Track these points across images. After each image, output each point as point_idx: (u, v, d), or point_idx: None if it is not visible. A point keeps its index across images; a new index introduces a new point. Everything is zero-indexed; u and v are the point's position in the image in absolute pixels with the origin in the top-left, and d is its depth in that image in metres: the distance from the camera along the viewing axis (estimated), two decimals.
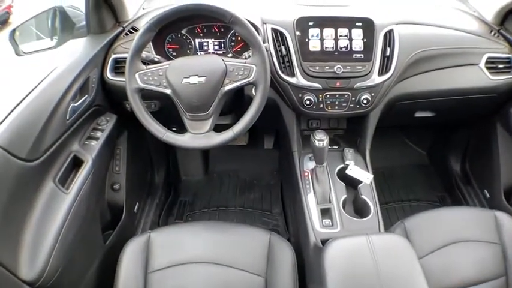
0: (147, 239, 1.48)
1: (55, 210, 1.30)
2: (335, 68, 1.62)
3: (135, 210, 2.10)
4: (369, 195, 1.64)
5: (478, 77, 1.90)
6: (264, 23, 1.68)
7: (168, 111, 1.55)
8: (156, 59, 1.57)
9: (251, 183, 2.65)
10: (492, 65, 1.90)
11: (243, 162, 2.74)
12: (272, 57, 1.64)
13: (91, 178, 1.48)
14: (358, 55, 1.66)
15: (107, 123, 1.69)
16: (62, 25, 1.85)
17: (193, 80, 1.39)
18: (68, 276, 1.34)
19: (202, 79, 1.39)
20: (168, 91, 1.41)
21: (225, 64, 1.41)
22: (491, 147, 2.21)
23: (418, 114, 2.05)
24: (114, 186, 1.89)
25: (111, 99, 1.76)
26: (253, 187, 2.62)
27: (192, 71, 1.40)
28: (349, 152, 1.80)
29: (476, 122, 2.35)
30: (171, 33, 1.73)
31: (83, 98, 1.56)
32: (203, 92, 1.39)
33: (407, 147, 2.90)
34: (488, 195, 2.27)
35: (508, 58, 1.94)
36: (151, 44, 1.63)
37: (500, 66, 1.92)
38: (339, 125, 1.97)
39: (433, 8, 2.13)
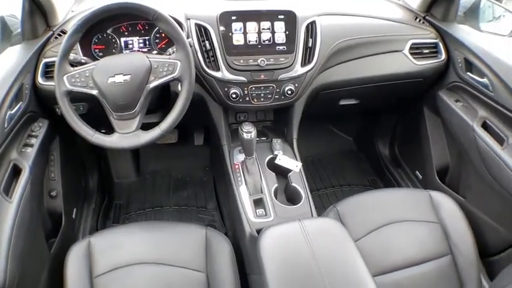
0: (87, 244, 1.47)
1: (2, 220, 1.28)
2: (259, 60, 1.67)
3: (74, 216, 2.07)
4: (299, 183, 1.70)
5: (402, 62, 2.00)
6: (187, 19, 1.70)
7: (96, 112, 1.53)
8: (83, 61, 1.56)
9: (184, 180, 2.66)
10: (417, 50, 2.01)
11: (174, 160, 2.74)
12: (196, 53, 1.66)
13: (30, 186, 1.45)
14: (281, 47, 1.72)
15: (40, 129, 1.67)
16: (1, 34, 1.85)
17: (119, 78, 1.39)
18: (24, 286, 1.31)
19: (127, 77, 1.40)
20: (95, 92, 1.41)
21: (149, 61, 1.42)
22: (420, 130, 2.32)
23: (342, 102, 2.13)
24: (52, 193, 1.85)
25: (43, 104, 1.73)
26: (186, 185, 2.63)
27: (117, 69, 1.41)
28: (277, 142, 1.85)
29: (403, 106, 2.45)
30: (97, 34, 1.72)
31: (18, 105, 1.53)
32: (129, 90, 1.40)
33: (335, 135, 2.99)
34: (420, 176, 2.38)
35: (433, 43, 2.05)
36: (78, 45, 1.62)
37: (426, 51, 2.04)
38: (266, 116, 2.02)
39: None
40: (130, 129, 1.44)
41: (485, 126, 1.85)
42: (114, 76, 1.40)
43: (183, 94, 1.44)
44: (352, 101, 2.16)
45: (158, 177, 2.68)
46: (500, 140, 1.75)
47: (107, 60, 1.47)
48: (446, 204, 1.72)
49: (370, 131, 2.79)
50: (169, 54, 1.52)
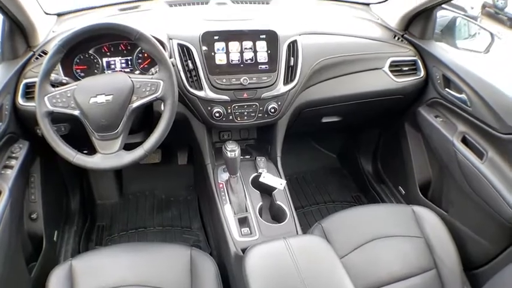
0: (69, 267, 1.46)
1: None
2: (241, 79, 1.70)
3: (55, 238, 2.05)
4: (283, 201, 1.71)
5: (382, 80, 2.04)
6: (170, 39, 1.71)
7: (78, 133, 1.54)
8: (64, 81, 1.56)
9: (168, 200, 2.64)
10: (396, 68, 2.06)
11: (157, 180, 2.73)
12: (179, 72, 1.68)
13: (9, 209, 1.44)
14: (263, 66, 1.74)
15: (20, 150, 1.66)
16: None
17: (101, 99, 1.40)
18: None
19: (110, 97, 1.40)
20: (76, 112, 1.41)
21: (131, 81, 1.43)
22: (402, 146, 2.36)
23: (325, 119, 2.16)
24: (32, 216, 1.83)
25: (23, 125, 1.72)
26: (170, 205, 2.62)
27: (99, 90, 1.41)
28: (261, 160, 1.87)
29: (385, 123, 2.49)
30: (79, 54, 1.72)
31: None
32: (111, 110, 1.40)
33: (318, 152, 3.01)
34: (403, 192, 2.40)
35: (412, 61, 2.11)
36: (60, 66, 1.62)
37: (405, 68, 2.09)
38: (249, 135, 2.03)
39: (337, 18, 2.26)
40: (113, 149, 1.44)
41: (465, 140, 1.89)
42: (96, 96, 1.40)
43: (166, 114, 1.45)
44: (335, 118, 2.19)
45: (141, 198, 2.67)
46: (480, 154, 1.79)
47: (89, 80, 1.47)
48: (430, 219, 1.75)
49: (353, 147, 2.82)
50: (152, 74, 1.53)
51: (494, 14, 15.45)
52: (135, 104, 1.43)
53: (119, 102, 1.41)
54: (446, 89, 2.01)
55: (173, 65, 1.49)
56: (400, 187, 2.44)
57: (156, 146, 1.47)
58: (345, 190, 2.77)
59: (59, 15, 2.05)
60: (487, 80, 1.83)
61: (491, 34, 2.29)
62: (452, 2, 2.05)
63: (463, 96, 1.90)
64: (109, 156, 1.44)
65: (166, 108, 1.45)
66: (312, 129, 2.51)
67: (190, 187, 2.72)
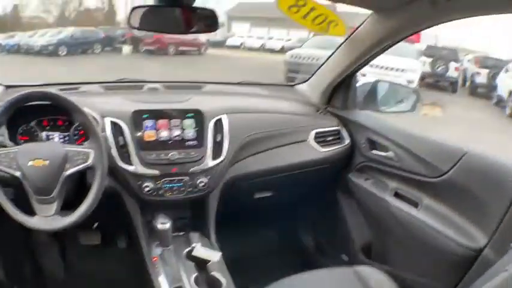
0: None
1: None
2: (170, 155, 1.79)
3: None
4: (219, 271, 1.74)
5: (308, 151, 2.16)
6: (103, 117, 1.79)
7: (20, 196, 1.58)
8: (8, 145, 1.64)
9: (110, 282, 2.59)
10: (321, 138, 2.18)
11: (98, 262, 2.68)
12: (111, 148, 1.75)
13: None
14: (191, 142, 1.85)
15: None
16: None
17: (38, 162, 1.49)
18: None
19: (46, 162, 1.50)
20: (18, 173, 1.49)
21: (65, 149, 1.54)
22: (338, 214, 2.43)
23: (258, 195, 2.22)
24: None
25: None
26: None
27: (37, 154, 1.51)
28: (195, 235, 1.91)
29: (319, 194, 2.56)
30: (22, 125, 1.80)
31: None
32: (47, 175, 1.50)
33: (257, 228, 3.03)
34: (347, 259, 2.44)
35: (336, 130, 2.25)
36: (6, 131, 1.68)
37: (330, 138, 2.23)
38: (182, 209, 2.06)
39: (261, 98, 2.43)
40: (49, 213, 1.52)
41: (397, 195, 1.99)
42: (34, 160, 1.49)
43: (96, 182, 1.55)
44: (267, 193, 2.25)
45: (83, 279, 2.60)
46: (415, 204, 1.91)
47: (29, 145, 1.60)
48: (375, 276, 1.75)
49: (291, 222, 2.85)
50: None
51: (435, 82, 16.27)
52: (68, 172, 1.53)
53: (54, 167, 1.50)
54: (372, 151, 2.14)
55: (104, 139, 1.61)
56: (342, 255, 2.48)
57: (88, 212, 1.55)
58: (286, 266, 2.77)
59: (8, 87, 2.13)
60: (411, 132, 1.97)
61: (416, 91, 2.47)
62: (388, 79, 2.23)
63: (389, 153, 2.04)
64: (45, 218, 1.51)
65: (96, 177, 1.55)
66: (248, 207, 2.55)
67: (130, 269, 2.68)
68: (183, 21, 1.60)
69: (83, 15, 32.77)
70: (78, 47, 19.42)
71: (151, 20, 1.59)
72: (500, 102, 14.06)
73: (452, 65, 16.03)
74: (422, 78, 14.83)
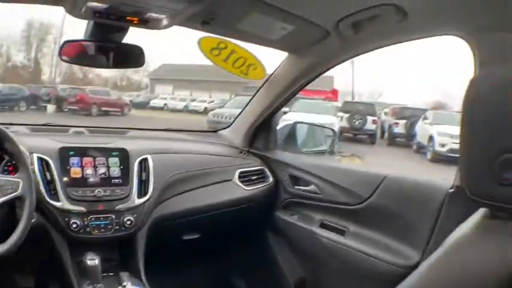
0: None
1: None
2: (96, 191, 1.79)
3: None
4: None
5: (233, 190, 2.23)
6: (31, 153, 1.78)
7: None
8: None
9: None
10: (245, 178, 2.26)
11: None
12: (39, 184, 1.74)
13: None
14: (116, 180, 1.87)
15: None
16: None
17: None
18: None
19: None
20: None
21: None
22: (268, 254, 2.46)
23: (185, 237, 2.25)
24: None
25: None
26: None
27: None
28: (124, 275, 1.88)
29: (247, 235, 2.59)
30: None
31: None
32: None
33: (188, 274, 3.02)
34: None
35: (260, 170, 2.33)
36: None
37: (254, 177, 2.30)
38: (111, 248, 2.05)
39: (186, 141, 2.51)
40: None
41: (324, 226, 2.08)
42: None
43: (26, 212, 1.52)
44: (196, 235, 2.28)
45: None
46: (342, 232, 1.99)
47: None
48: None
49: (222, 263, 2.84)
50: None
51: (354, 136, 16.95)
52: None
53: None
54: (296, 187, 2.23)
55: (33, 172, 1.60)
56: None
57: (18, 243, 1.50)
58: None
59: None
60: (330, 165, 2.09)
61: (333, 131, 2.63)
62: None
63: (312, 187, 2.15)
64: None
65: (25, 208, 1.52)
66: (177, 250, 2.55)
67: None
68: (112, 56, 1.71)
69: (10, 71, 32.17)
70: (5, 103, 18.86)
71: (81, 54, 1.67)
72: (420, 149, 15.02)
73: (370, 118, 16.93)
74: (341, 132, 15.46)
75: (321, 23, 1.76)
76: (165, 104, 28.55)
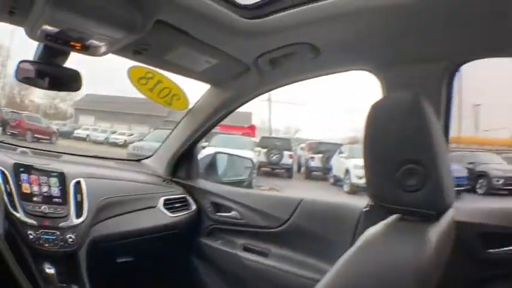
0: None
1: None
2: (42, 208, 1.90)
3: None
4: None
5: (159, 216, 2.34)
6: None
7: None
8: None
9: None
10: (170, 205, 2.38)
11: None
12: (3, 195, 1.84)
13: None
14: (57, 199, 1.98)
15: None
16: None
17: None
18: None
19: None
20: None
21: None
22: (195, 278, 2.56)
23: (120, 259, 2.29)
24: None
25: None
26: None
27: None
28: None
29: (176, 259, 2.64)
30: None
31: None
32: None
33: None
34: None
35: (182, 197, 2.47)
36: None
37: (177, 205, 2.43)
38: (61, 261, 2.05)
39: (114, 169, 2.62)
40: None
41: (247, 250, 2.23)
42: None
43: None
44: (129, 258, 2.32)
45: None
46: (265, 254, 2.15)
47: None
48: None
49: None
50: None
51: (271, 170, 17.20)
52: None
53: None
54: (218, 214, 2.35)
55: None
56: None
57: None
58: None
59: None
60: (249, 191, 2.23)
61: (252, 161, 2.78)
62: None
63: (233, 213, 2.30)
64: None
65: None
66: (113, 270, 2.57)
67: None
68: (53, 78, 1.83)
69: None
70: None
71: (30, 74, 1.79)
72: (337, 182, 15.51)
73: (286, 153, 17.32)
74: (259, 166, 15.69)
75: (242, 58, 1.95)
76: (88, 135, 27.86)
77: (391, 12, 1.50)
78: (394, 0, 1.43)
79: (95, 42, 1.67)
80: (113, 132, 28.31)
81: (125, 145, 21.80)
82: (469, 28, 1.52)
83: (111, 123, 31.22)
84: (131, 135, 25.82)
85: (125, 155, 14.89)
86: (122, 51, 1.87)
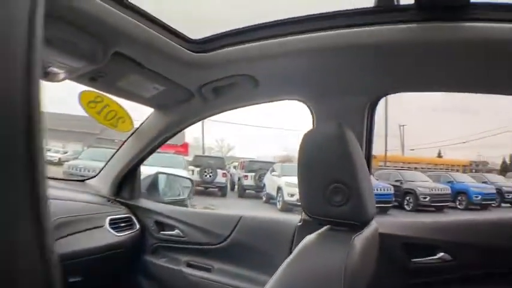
0: None
1: None
2: None
3: None
4: None
5: (106, 236, 2.35)
6: None
7: None
8: None
9: None
10: (115, 224, 2.41)
11: None
12: None
13: None
14: None
15: None
16: None
17: None
18: None
19: None
20: None
21: None
22: None
23: (71, 279, 2.31)
24: None
25: None
26: None
27: None
28: None
29: (123, 278, 2.65)
30: None
31: None
32: None
33: None
34: None
35: (127, 217, 2.51)
36: None
37: (122, 224, 2.46)
38: None
39: (58, 189, 2.56)
40: None
41: (191, 266, 2.33)
42: None
43: None
44: (78, 278, 2.32)
45: None
46: (208, 269, 2.26)
47: None
48: None
49: None
50: None
51: (205, 189, 17.15)
52: None
53: None
54: (162, 232, 2.45)
55: None
56: None
57: None
58: None
59: None
60: (191, 210, 2.34)
61: (191, 181, 2.91)
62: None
63: (176, 232, 2.39)
64: None
65: None
66: None
67: None
68: None
69: None
70: None
71: None
72: (270, 199, 15.84)
73: (220, 171, 17.45)
74: (196, 185, 15.64)
75: (187, 86, 2.07)
76: None
77: (327, 53, 1.73)
78: (330, 43, 1.66)
79: (54, 69, 1.71)
80: (48, 150, 27.32)
81: (59, 163, 21.12)
82: (386, 68, 1.80)
83: (45, 139, 30.22)
84: (65, 153, 25.09)
85: (62, 173, 14.51)
86: (80, 79, 1.91)
